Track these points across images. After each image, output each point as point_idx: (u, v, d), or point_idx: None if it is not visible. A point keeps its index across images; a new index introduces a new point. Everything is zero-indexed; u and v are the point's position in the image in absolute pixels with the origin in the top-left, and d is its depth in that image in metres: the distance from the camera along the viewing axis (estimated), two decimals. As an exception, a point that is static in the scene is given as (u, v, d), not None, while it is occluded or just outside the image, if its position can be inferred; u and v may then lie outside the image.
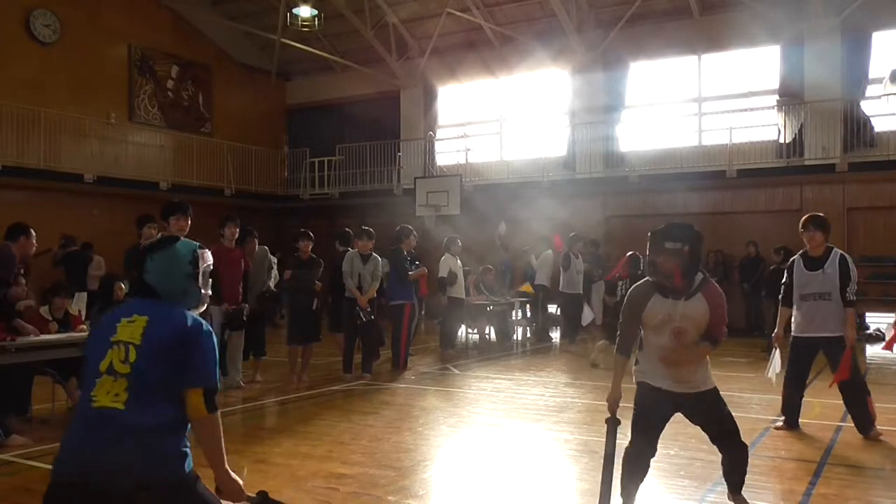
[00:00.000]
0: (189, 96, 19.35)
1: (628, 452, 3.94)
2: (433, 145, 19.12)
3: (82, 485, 2.29)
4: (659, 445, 3.97)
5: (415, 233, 10.47)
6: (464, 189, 16.83)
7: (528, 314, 14.64)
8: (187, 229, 6.13)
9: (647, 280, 3.88)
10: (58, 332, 6.93)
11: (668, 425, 3.96)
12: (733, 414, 3.99)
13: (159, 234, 9.62)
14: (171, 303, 2.57)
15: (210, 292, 2.77)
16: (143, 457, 2.31)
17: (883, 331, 14.12)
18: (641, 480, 3.98)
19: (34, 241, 6.28)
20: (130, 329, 2.45)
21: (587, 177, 16.54)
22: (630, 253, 8.99)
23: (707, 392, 3.91)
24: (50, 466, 2.42)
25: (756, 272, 14.28)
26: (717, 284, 3.91)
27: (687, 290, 3.75)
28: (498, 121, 19.05)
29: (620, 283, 8.93)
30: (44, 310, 7.25)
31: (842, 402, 6.06)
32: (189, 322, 2.51)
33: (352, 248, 9.45)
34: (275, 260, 10.40)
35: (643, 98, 17.17)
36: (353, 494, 4.51)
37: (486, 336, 13.06)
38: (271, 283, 9.63)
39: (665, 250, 3.70)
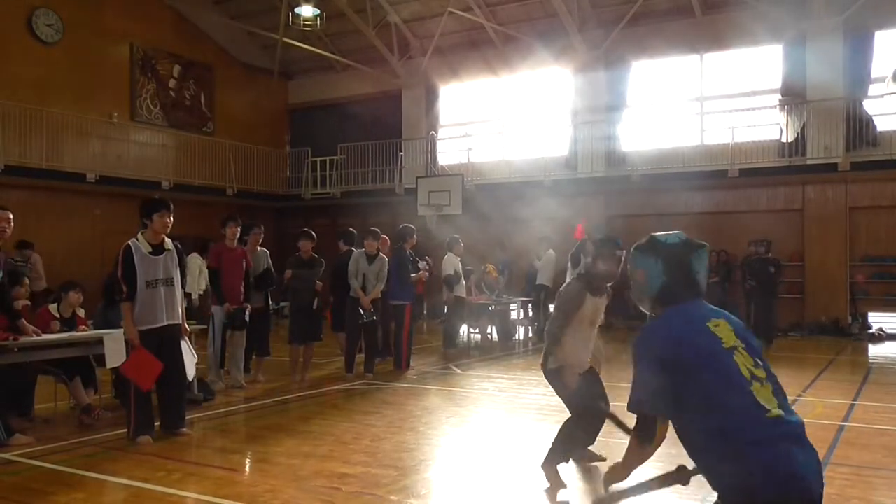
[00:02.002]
0: (191, 96, 19.36)
1: (587, 420, 4.59)
2: (435, 145, 19.12)
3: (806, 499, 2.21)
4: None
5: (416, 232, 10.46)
6: (465, 189, 16.81)
7: (531, 314, 14.63)
8: (170, 226, 6.09)
9: (577, 281, 4.56)
10: (60, 331, 6.90)
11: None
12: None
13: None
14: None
15: None
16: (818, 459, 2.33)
17: (885, 331, 14.12)
18: None
19: (9, 220, 6.03)
20: (725, 333, 2.41)
21: (589, 176, 16.53)
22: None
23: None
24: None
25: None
26: None
27: (604, 289, 4.59)
28: (500, 120, 19.04)
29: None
30: (52, 307, 7.24)
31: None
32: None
33: (354, 248, 9.45)
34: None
35: (645, 97, 17.15)
36: (354, 494, 4.51)
37: (488, 335, 13.06)
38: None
39: (616, 256, 4.41)
